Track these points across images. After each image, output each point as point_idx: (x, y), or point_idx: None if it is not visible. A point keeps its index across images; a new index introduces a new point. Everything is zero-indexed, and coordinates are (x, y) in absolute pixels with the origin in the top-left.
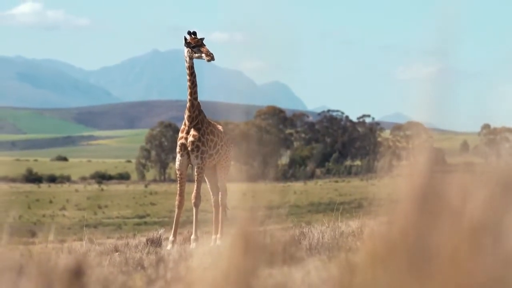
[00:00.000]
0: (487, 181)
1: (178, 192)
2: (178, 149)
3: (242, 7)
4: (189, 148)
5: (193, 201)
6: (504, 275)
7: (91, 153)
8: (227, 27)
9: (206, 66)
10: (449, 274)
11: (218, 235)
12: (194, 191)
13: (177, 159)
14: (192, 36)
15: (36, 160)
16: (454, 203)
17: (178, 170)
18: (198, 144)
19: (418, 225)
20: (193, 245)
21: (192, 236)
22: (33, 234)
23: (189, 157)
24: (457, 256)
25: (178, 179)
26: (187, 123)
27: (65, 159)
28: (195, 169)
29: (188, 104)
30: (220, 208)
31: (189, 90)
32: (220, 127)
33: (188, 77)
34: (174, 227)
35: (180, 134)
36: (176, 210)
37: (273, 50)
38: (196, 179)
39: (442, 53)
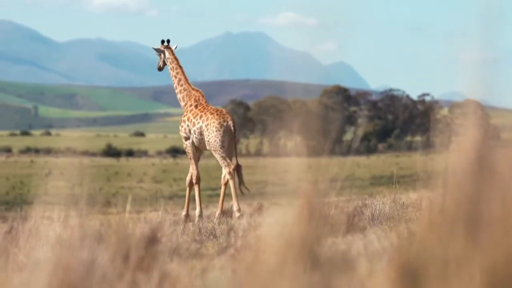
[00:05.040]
0: None
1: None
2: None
3: None
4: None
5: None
6: None
7: (167, 129)
8: (297, 9)
9: (274, 47)
10: (500, 240)
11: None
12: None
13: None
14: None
15: (115, 136)
16: (506, 175)
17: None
18: None
19: (472, 195)
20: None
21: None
22: (112, 205)
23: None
24: (507, 224)
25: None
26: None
27: (142, 134)
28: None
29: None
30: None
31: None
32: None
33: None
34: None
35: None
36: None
37: (342, 33)
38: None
39: (488, 34)
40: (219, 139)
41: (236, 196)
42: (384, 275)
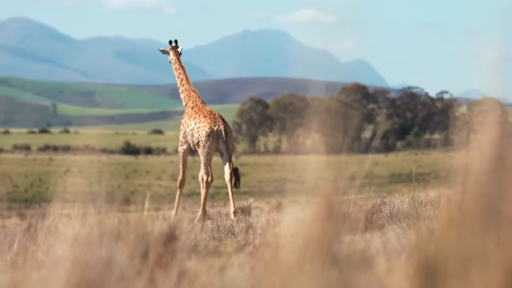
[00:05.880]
0: None
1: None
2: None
3: None
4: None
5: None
6: None
7: None
8: (316, 6)
9: (292, 45)
10: None
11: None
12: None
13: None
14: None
15: (134, 133)
16: None
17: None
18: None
19: (491, 193)
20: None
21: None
22: (131, 203)
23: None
24: None
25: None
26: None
27: (161, 132)
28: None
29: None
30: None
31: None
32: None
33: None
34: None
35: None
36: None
37: (360, 30)
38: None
39: (507, 31)
40: (208, 145)
41: (205, 203)
42: (403, 273)
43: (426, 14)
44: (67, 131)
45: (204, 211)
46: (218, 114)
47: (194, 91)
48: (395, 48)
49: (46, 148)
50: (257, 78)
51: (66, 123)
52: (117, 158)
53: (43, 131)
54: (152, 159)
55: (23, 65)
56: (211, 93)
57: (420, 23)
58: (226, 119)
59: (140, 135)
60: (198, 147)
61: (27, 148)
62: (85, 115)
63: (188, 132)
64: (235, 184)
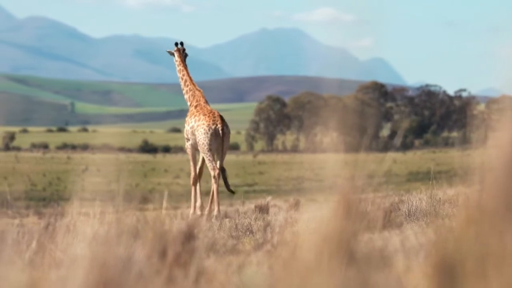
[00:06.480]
0: None
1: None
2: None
3: None
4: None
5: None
6: None
7: None
8: (333, 4)
9: (310, 43)
10: None
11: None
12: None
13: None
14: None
15: (151, 132)
16: None
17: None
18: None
19: (509, 191)
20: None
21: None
22: (149, 201)
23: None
24: None
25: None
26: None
27: (179, 130)
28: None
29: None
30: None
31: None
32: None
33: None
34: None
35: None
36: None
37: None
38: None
39: None
40: (207, 142)
41: (217, 200)
42: (421, 271)
43: (444, 12)
44: (85, 130)
45: (216, 206)
46: (218, 113)
47: (199, 90)
48: (413, 46)
49: (64, 146)
50: (274, 77)
51: (84, 121)
52: (135, 156)
53: (61, 129)
54: (170, 157)
55: (41, 64)
56: (229, 91)
57: (438, 20)
58: (244, 118)
59: (158, 134)
60: (199, 145)
61: (45, 146)
62: (103, 113)
63: (189, 130)
64: (226, 186)
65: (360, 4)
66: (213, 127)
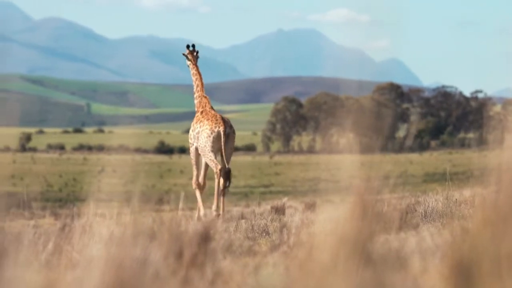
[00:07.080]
0: None
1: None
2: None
3: None
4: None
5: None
6: None
7: None
8: (350, 5)
9: (326, 44)
10: None
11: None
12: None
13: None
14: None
15: (168, 133)
16: None
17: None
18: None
19: None
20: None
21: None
22: (165, 202)
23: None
24: None
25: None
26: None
27: None
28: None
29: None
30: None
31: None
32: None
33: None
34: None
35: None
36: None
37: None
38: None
39: None
40: (209, 144)
41: (218, 196)
42: (437, 272)
43: (461, 13)
44: (101, 131)
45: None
46: (221, 116)
47: (205, 97)
48: (429, 47)
49: (80, 147)
50: (291, 78)
51: (100, 122)
52: (151, 157)
53: (77, 130)
54: (186, 158)
55: (57, 65)
56: (245, 92)
57: (454, 21)
58: (260, 118)
59: (174, 135)
60: (200, 148)
61: (61, 147)
62: (119, 114)
63: (195, 135)
64: (224, 185)
65: (375, 5)
66: (215, 130)
